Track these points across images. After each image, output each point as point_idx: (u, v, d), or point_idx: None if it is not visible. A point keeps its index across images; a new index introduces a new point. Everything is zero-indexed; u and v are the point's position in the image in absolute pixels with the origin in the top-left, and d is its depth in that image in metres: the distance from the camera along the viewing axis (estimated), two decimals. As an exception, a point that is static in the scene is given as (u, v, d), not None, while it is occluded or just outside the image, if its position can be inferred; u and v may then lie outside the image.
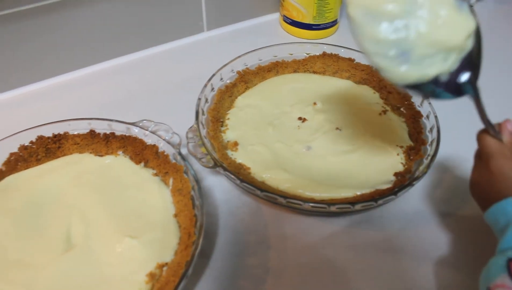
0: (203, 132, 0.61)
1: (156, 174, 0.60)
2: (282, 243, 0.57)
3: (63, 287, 0.50)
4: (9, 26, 0.72)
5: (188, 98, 0.69)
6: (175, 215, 0.55)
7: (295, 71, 0.76)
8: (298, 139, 0.64)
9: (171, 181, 0.58)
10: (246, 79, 0.72)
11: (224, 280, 0.54)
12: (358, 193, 0.58)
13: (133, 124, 0.62)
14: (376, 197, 0.55)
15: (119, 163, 0.62)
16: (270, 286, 0.53)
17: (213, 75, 0.69)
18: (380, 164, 0.62)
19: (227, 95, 0.69)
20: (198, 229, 0.50)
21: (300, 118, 0.67)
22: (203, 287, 0.52)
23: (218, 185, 0.63)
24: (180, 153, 0.58)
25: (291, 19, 0.88)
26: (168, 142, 0.60)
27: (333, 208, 0.54)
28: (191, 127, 0.62)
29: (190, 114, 0.64)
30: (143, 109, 0.72)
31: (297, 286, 0.53)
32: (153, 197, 0.57)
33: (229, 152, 0.62)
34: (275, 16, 0.97)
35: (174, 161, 0.59)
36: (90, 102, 0.77)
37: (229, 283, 0.53)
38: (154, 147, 0.60)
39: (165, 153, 0.60)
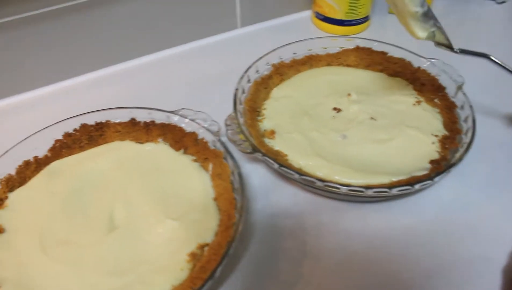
0: (241, 120, 0.62)
1: (195, 160, 0.61)
2: (318, 227, 0.58)
3: (108, 264, 0.52)
4: (58, 20, 0.76)
5: (224, 90, 0.71)
6: (215, 199, 0.57)
7: (328, 65, 0.77)
8: (333, 128, 0.65)
9: (210, 166, 0.59)
10: (281, 71, 0.73)
11: (262, 262, 0.55)
12: (394, 179, 0.58)
13: (172, 112, 0.64)
14: (413, 182, 0.56)
15: (159, 150, 0.63)
16: (307, 269, 0.54)
17: (249, 67, 0.71)
18: (416, 152, 0.62)
19: (262, 86, 0.71)
20: (239, 211, 0.51)
21: (335, 109, 0.68)
22: (242, 269, 0.54)
23: (254, 172, 0.64)
24: (219, 140, 0.59)
25: (323, 15, 0.89)
26: (207, 130, 0.61)
27: (369, 192, 0.55)
28: (229, 115, 0.63)
29: (226, 105, 0.66)
30: (181, 100, 0.74)
31: (334, 269, 0.54)
32: (193, 181, 0.59)
33: (266, 140, 0.63)
34: (307, 14, 0.98)
35: (213, 147, 0.60)
36: (131, 93, 0.80)
37: (267, 265, 0.54)
38: (193, 134, 0.62)
39: (204, 140, 0.61)
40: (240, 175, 0.55)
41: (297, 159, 0.61)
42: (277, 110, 0.68)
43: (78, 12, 0.77)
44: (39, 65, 0.81)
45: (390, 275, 0.53)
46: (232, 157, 0.57)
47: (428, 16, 0.59)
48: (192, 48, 0.91)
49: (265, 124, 0.66)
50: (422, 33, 0.60)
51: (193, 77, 0.84)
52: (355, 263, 0.54)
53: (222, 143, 0.59)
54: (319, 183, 0.56)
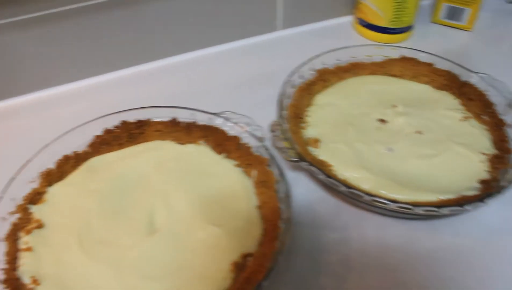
0: (285, 126, 0.61)
1: (238, 165, 0.60)
2: (362, 242, 0.56)
3: (147, 267, 0.50)
4: (106, 12, 0.76)
5: (265, 93, 0.70)
6: (258, 207, 0.55)
7: (372, 73, 0.75)
8: (378, 140, 0.64)
9: (254, 173, 0.58)
10: (325, 78, 0.72)
11: (305, 276, 0.53)
12: (442, 197, 0.57)
13: (216, 114, 0.62)
14: (463, 202, 0.54)
15: (200, 152, 0.62)
16: (352, 285, 0.52)
17: (293, 72, 0.69)
18: (464, 170, 0.60)
19: (306, 92, 0.69)
20: (285, 222, 0.50)
21: (380, 120, 0.66)
22: (283, 282, 0.52)
23: (296, 181, 0.63)
24: (264, 145, 0.58)
25: (366, 22, 0.88)
26: (251, 134, 0.60)
27: (419, 210, 0.53)
28: (274, 121, 0.62)
29: (268, 109, 0.65)
30: (222, 101, 0.73)
31: (380, 286, 0.52)
32: (235, 187, 0.57)
33: (310, 148, 0.62)
34: (348, 19, 0.96)
35: (257, 153, 0.58)
36: (170, 92, 0.79)
37: (310, 279, 0.53)
38: (236, 138, 0.61)
39: (248, 145, 0.60)
40: (287, 185, 0.53)
41: (342, 170, 0.59)
42: (321, 118, 0.66)
43: (125, 6, 0.77)
44: (82, 56, 0.80)
45: (437, 296, 0.52)
46: (278, 165, 0.55)
47: None
48: (232, 49, 0.90)
49: (309, 131, 0.65)
50: None
51: (233, 79, 0.82)
52: (400, 281, 0.52)
53: (267, 150, 0.57)
54: (366, 197, 0.54)
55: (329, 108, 0.68)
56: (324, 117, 0.67)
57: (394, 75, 0.75)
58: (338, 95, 0.71)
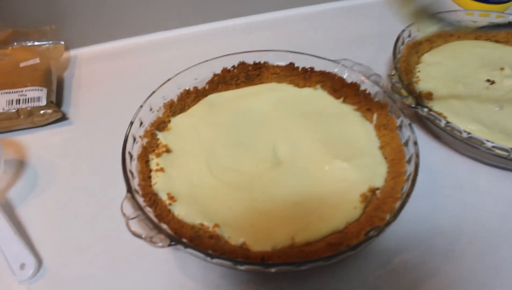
0: (401, 77, 0.62)
1: (356, 110, 0.62)
2: (476, 189, 0.58)
3: (280, 194, 0.52)
4: None
5: (375, 50, 0.71)
6: (380, 148, 0.57)
7: (476, 38, 0.76)
8: (488, 98, 0.65)
9: (374, 117, 0.60)
10: (431, 39, 0.73)
11: (424, 216, 0.55)
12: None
13: (334, 61, 0.64)
14: None
15: (318, 95, 0.64)
16: (467, 227, 0.54)
17: (403, 30, 0.71)
18: None
19: (414, 51, 0.71)
20: (413, 160, 0.52)
21: (488, 80, 0.68)
22: (401, 223, 0.51)
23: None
24: (385, 92, 0.60)
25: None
26: (372, 81, 0.61)
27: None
28: (391, 71, 0.63)
29: (380, 62, 0.66)
30: (338, 53, 0.74)
31: (496, 231, 0.54)
32: (356, 128, 0.59)
33: (424, 101, 0.63)
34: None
35: (376, 99, 0.60)
36: (287, 40, 0.83)
37: (429, 220, 0.55)
38: (355, 85, 0.62)
39: (367, 92, 0.61)
40: (410, 126, 0.55)
41: (457, 122, 0.61)
42: (430, 75, 0.68)
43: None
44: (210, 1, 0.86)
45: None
46: (401, 110, 0.57)
47: None
48: (352, 6, 0.94)
49: (421, 86, 0.66)
50: None
51: (346, 33, 0.86)
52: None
53: (389, 96, 0.59)
54: (488, 144, 0.55)
55: (437, 66, 0.70)
56: (434, 74, 0.68)
57: (498, 41, 0.76)
58: (445, 55, 0.72)
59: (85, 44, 0.83)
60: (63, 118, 0.69)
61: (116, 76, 0.77)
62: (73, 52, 0.82)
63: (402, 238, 0.53)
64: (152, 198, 0.51)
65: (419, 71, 0.68)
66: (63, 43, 0.77)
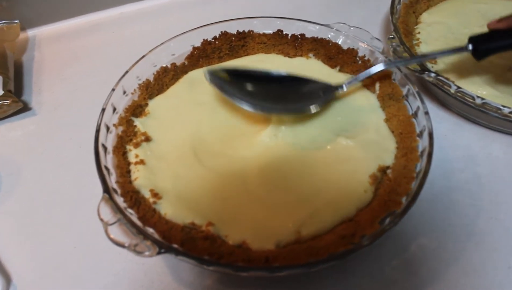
0: (401, 40, 0.56)
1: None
2: (490, 159, 0.53)
3: (279, 182, 0.46)
4: None
5: (369, 9, 0.64)
6: (386, 120, 0.51)
7: (475, -7, 0.70)
8: (496, 57, 0.59)
9: (377, 86, 0.53)
10: (428, -5, 0.67)
11: (438, 193, 0.50)
12: None
13: (326, 26, 0.57)
14: None
15: (311, 65, 0.57)
16: (485, 202, 0.49)
17: (398, -14, 0.64)
18: None
19: (411, 10, 0.65)
20: (426, 133, 0.46)
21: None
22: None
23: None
24: (387, 57, 0.53)
25: None
26: (370, 46, 0.55)
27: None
28: (391, 34, 0.57)
29: (374, 24, 0.59)
30: (329, 16, 0.67)
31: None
32: (358, 101, 0.53)
33: (428, 64, 0.57)
34: None
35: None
36: (274, 5, 0.75)
37: (444, 196, 0.49)
38: (353, 51, 0.56)
39: (366, 58, 0.55)
40: (419, 95, 0.49)
41: (467, 87, 0.55)
42: (431, 36, 0.62)
43: None
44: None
45: None
46: (408, 77, 0.51)
47: None
48: None
49: (422, 48, 0.60)
50: None
51: None
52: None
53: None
54: (505, 110, 0.50)
55: (438, 26, 0.64)
56: (435, 34, 0.62)
57: (499, -5, 0.70)
58: (445, 13, 0.66)
59: (44, 22, 0.74)
60: (25, 108, 0.61)
61: (83, 56, 0.69)
62: (31, 32, 0.73)
63: (417, 220, 0.48)
64: (134, 197, 0.44)
65: (419, 33, 0.62)
66: (18, 22, 0.68)
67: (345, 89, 0.51)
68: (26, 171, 0.54)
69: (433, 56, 0.53)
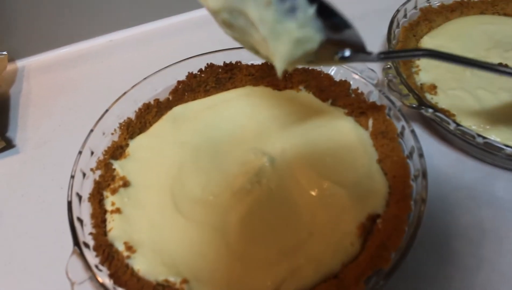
0: (398, 70, 0.53)
1: (348, 114, 0.52)
2: (494, 201, 0.49)
3: (258, 231, 0.43)
4: None
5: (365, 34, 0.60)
6: (379, 161, 0.47)
7: (482, 13, 0.66)
8: (501, 86, 0.55)
9: (370, 122, 0.50)
10: (429, 18, 0.63)
11: (436, 239, 0.46)
12: None
13: (317, 56, 0.54)
14: None
15: (301, 99, 0.54)
16: (487, 251, 0.45)
17: (398, 10, 0.60)
18: None
19: (411, 34, 0.61)
20: (420, 178, 0.42)
21: (501, 64, 0.57)
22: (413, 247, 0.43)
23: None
24: (381, 91, 0.50)
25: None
26: (364, 78, 0.51)
27: None
28: (386, 64, 0.53)
29: (373, 49, 0.55)
30: None
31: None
32: (349, 138, 0.50)
33: (428, 95, 0.53)
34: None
35: (371, 100, 0.50)
36: None
37: (442, 244, 0.45)
38: (345, 83, 0.52)
39: (360, 91, 0.52)
40: (414, 134, 0.45)
41: (467, 121, 0.51)
42: (432, 62, 0.58)
43: None
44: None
45: None
46: (402, 113, 0.47)
47: None
48: None
49: (422, 77, 0.56)
50: None
51: None
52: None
53: (386, 96, 0.49)
54: (508, 150, 0.46)
55: (440, 51, 0.59)
56: (436, 61, 0.58)
57: (507, 14, 0.65)
58: (447, 36, 0.62)
59: (33, 53, 0.72)
60: (9, 145, 0.59)
61: (69, 88, 0.67)
62: (20, 63, 0.71)
63: (410, 270, 0.44)
64: (106, 251, 0.42)
65: (419, 59, 0.58)
66: (5, 53, 0.67)
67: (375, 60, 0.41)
68: (5, 215, 0.52)
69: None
